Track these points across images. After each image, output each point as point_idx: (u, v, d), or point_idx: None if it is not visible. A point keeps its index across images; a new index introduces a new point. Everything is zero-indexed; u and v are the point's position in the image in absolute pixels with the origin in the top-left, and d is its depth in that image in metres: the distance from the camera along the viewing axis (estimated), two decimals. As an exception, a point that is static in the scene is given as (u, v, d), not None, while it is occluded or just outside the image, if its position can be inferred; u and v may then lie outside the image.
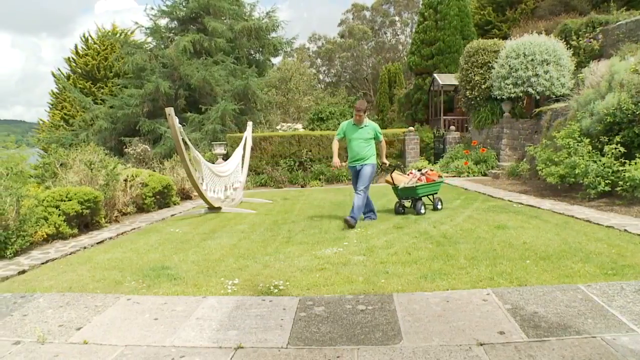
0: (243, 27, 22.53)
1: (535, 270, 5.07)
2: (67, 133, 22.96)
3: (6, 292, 5.35)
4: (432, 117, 23.27)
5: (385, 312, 4.11)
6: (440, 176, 10.12)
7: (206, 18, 21.97)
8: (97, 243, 7.94)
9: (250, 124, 13.45)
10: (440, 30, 22.73)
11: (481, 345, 3.52)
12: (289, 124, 23.73)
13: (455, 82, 19.58)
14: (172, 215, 10.70)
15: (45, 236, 7.84)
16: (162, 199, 11.72)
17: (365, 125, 8.55)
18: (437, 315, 4.02)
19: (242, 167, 12.46)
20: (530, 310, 4.03)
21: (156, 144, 19.56)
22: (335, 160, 8.82)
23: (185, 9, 22.83)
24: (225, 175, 11.15)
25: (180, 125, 9.32)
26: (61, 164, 10.28)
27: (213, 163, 13.50)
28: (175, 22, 23.66)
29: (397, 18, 49.06)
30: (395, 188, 9.39)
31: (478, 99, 17.39)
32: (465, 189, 12.58)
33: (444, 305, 4.21)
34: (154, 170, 13.36)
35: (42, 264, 6.73)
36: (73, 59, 28.04)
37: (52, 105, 28.45)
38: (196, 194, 11.48)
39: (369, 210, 8.86)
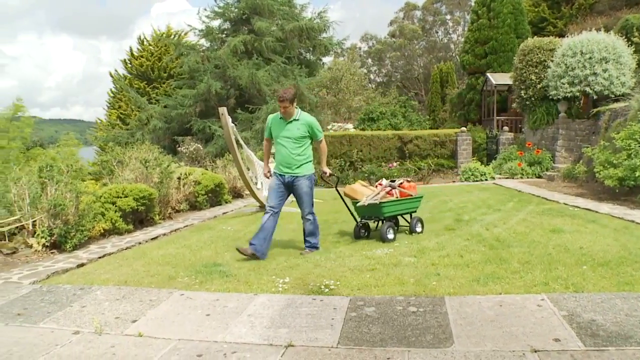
0: (294, 27, 22.65)
1: (592, 277, 4.91)
2: (123, 132, 23.61)
3: (66, 284, 5.56)
4: (485, 117, 22.90)
5: (437, 315, 4.08)
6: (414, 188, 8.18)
7: (256, 18, 22.19)
8: (152, 239, 8.15)
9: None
10: (494, 28, 22.34)
11: (535, 352, 3.44)
12: (339, 124, 23.73)
13: (509, 82, 19.19)
14: (224, 213, 10.87)
15: (102, 231, 8.10)
16: (214, 197, 11.92)
17: (294, 119, 6.57)
18: (489, 319, 3.95)
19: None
20: (587, 318, 3.91)
21: (208, 143, 19.88)
22: (265, 168, 7.12)
23: (236, 10, 23.12)
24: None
25: (232, 125, 9.46)
26: (118, 162, 10.59)
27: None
28: (227, 24, 23.98)
29: (448, 17, 48.43)
30: (354, 204, 7.56)
31: (533, 98, 16.99)
32: (519, 191, 12.32)
33: (497, 309, 4.14)
34: (206, 169, 13.59)
35: (100, 257, 6.96)
36: (129, 60, 28.79)
37: (109, 105, 29.30)
38: (247, 192, 11.62)
39: (307, 239, 6.90)
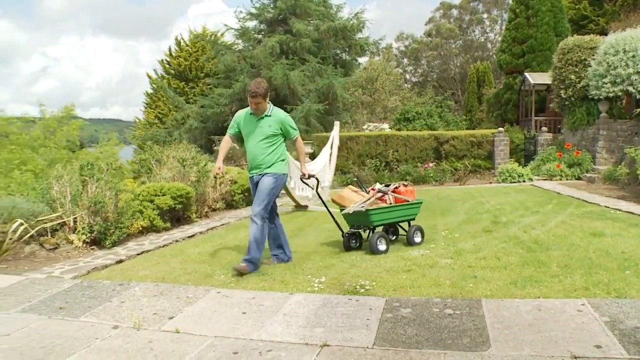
0: (329, 27, 22.67)
1: (636, 282, 4.78)
2: (161, 131, 23.97)
3: (106, 280, 5.69)
4: (523, 117, 22.54)
5: (473, 318, 4.03)
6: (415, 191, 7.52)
7: (293, 19, 22.28)
8: (188, 237, 8.27)
9: (337, 123, 13.53)
10: (532, 27, 21.95)
11: (575, 358, 3.36)
12: (375, 124, 23.65)
13: (548, 81, 18.84)
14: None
15: (140, 229, 8.25)
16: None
17: (266, 116, 6.03)
18: (527, 323, 3.89)
19: (329, 166, 12.56)
20: (630, 325, 3.80)
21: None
22: (218, 164, 6.33)
23: (272, 10, 23.25)
24: (313, 174, 11.24)
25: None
26: (156, 161, 10.77)
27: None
28: (263, 24, 24.14)
29: (485, 15, 47.84)
30: (342, 210, 6.91)
31: (572, 98, 16.65)
32: (558, 193, 12.09)
33: (535, 313, 4.07)
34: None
35: (138, 254, 7.10)
36: (167, 60, 29.23)
37: (147, 104, 29.78)
38: (283, 191, 11.66)
39: (277, 246, 6.33)
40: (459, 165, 17.12)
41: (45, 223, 7.39)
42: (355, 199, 6.88)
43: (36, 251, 7.21)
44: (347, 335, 3.83)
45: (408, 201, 7.04)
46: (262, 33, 24.10)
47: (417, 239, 6.95)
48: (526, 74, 21.23)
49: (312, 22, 23.12)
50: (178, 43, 29.33)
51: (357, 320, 4.09)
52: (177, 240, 7.91)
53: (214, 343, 3.84)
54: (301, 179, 6.75)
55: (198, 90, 25.93)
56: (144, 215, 8.33)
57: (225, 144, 6.42)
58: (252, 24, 24.17)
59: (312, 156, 15.37)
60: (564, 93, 16.80)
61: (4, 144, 15.81)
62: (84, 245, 7.31)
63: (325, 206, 7.00)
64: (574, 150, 16.26)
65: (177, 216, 9.21)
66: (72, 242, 7.35)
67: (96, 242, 7.48)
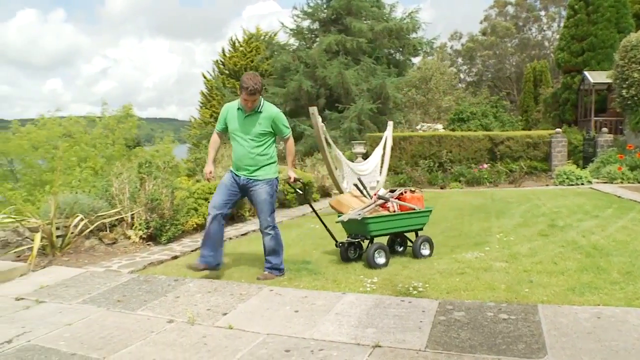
0: (384, 27, 22.58)
1: None
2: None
3: (161, 275, 5.83)
4: (581, 118, 21.91)
5: (529, 324, 3.93)
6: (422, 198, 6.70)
7: (347, 19, 22.27)
8: (241, 235, 8.38)
9: (390, 123, 13.46)
10: (593, 24, 21.29)
11: (638, 369, 3.25)
12: (428, 124, 23.44)
13: (609, 80, 18.25)
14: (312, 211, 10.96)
15: (195, 226, 8.41)
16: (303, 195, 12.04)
17: (256, 112, 5.52)
18: (586, 332, 3.77)
19: (381, 166, 12.51)
20: (697, 335, 3.65)
21: (297, 142, 20.15)
22: (208, 166, 5.82)
23: (326, 10, 23.30)
24: (365, 174, 11.25)
25: (322, 124, 9.54)
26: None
27: (352, 161, 13.70)
28: (317, 24, 24.23)
29: (542, 12, 46.64)
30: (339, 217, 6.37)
31: (636, 98, 16.07)
32: (619, 197, 11.68)
33: (595, 321, 3.93)
34: (295, 167, 13.78)
35: (192, 251, 7.25)
36: (221, 61, 29.67)
37: (202, 104, 30.31)
38: (336, 191, 11.69)
39: (212, 247, 5.79)
40: (514, 167, 16.75)
41: (105, 219, 7.63)
42: (354, 205, 6.34)
43: (95, 245, 7.45)
44: (399, 337, 3.81)
45: (414, 209, 6.39)
46: (316, 32, 24.19)
47: (425, 252, 6.33)
48: (586, 72, 20.63)
49: (365, 22, 23.05)
50: (232, 44, 29.74)
51: (410, 322, 4.06)
52: (230, 238, 8.02)
53: (266, 340, 3.87)
54: (287, 182, 6.26)
55: (252, 89, 26.16)
56: (198, 213, 8.48)
57: (214, 142, 5.89)
58: (306, 23, 24.32)
59: (365, 156, 15.35)
60: (627, 92, 16.23)
61: (68, 142, 16.46)
62: (141, 240, 7.51)
63: (316, 213, 6.64)
64: (636, 152, 15.67)
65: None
66: (129, 238, 7.56)
67: (152, 238, 7.68)
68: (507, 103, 33.51)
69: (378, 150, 12.48)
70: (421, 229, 6.52)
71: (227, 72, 28.94)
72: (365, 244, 6.39)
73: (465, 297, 4.63)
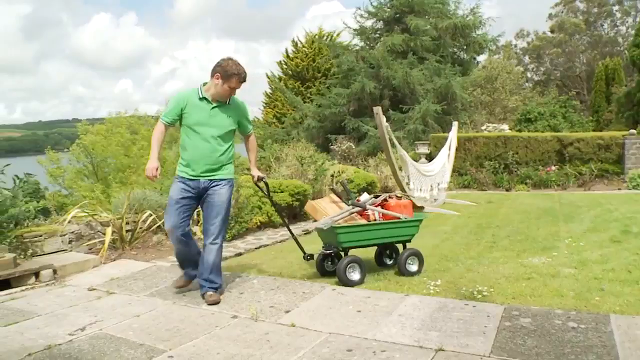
0: (447, 25, 22.19)
1: None
2: (279, 130, 24.63)
3: (225, 271, 5.92)
4: (659, 119, 20.93)
5: (600, 334, 3.78)
6: (412, 208, 6.03)
7: (410, 17, 22.04)
8: (305, 233, 8.44)
9: (455, 124, 13.26)
10: (673, 20, 20.30)
11: None
12: (494, 125, 22.89)
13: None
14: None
15: (259, 224, 8.54)
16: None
17: (226, 104, 4.98)
18: (663, 344, 3.60)
19: (446, 167, 12.35)
20: None
21: (361, 142, 20.13)
22: (153, 162, 4.87)
23: (389, 9, 23.15)
24: (430, 175, 11.14)
25: (387, 124, 9.50)
26: (275, 158, 11.10)
27: (416, 162, 13.59)
28: (381, 23, 24.10)
29: (615, 7, 44.64)
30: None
31: None
32: (698, 203, 11.09)
33: (673, 334, 3.75)
34: (358, 167, 13.78)
35: (256, 248, 7.37)
36: (284, 61, 29.91)
37: (265, 104, 30.65)
38: (400, 193, 11.63)
39: (205, 277, 5.05)
40: (584, 170, 16.15)
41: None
42: (329, 212, 5.65)
43: (162, 240, 7.67)
44: (462, 341, 3.75)
45: (399, 218, 5.66)
46: (379, 32, 24.08)
47: (412, 267, 5.61)
48: (664, 72, 19.70)
49: (429, 20, 22.76)
50: (295, 44, 29.96)
51: (474, 327, 3.99)
52: (307, 232, 8.09)
53: (328, 339, 3.89)
54: (253, 181, 5.63)
55: (315, 90, 26.35)
56: (262, 211, 8.61)
57: (160, 134, 4.97)
58: (369, 23, 24.24)
59: (428, 157, 15.20)
60: None
61: (136, 140, 17.05)
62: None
63: (284, 221, 6.14)
64: None
65: (294, 213, 9.42)
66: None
67: (218, 234, 7.83)
68: (577, 103, 32.27)
69: (444, 151, 12.33)
70: (409, 241, 5.82)
71: (289, 72, 29.19)
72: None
73: (531, 303, 4.51)
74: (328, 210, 5.70)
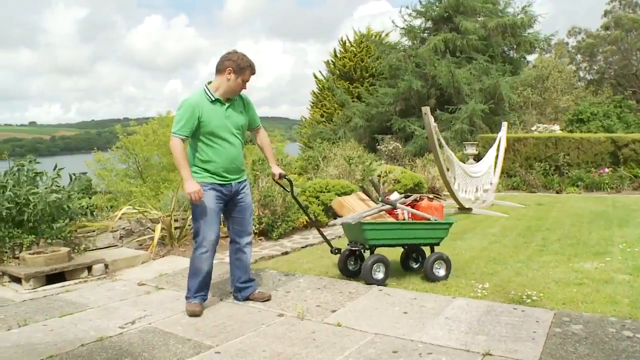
0: (497, 24, 21.77)
1: None
2: (326, 129, 24.68)
3: (272, 269, 6.01)
4: None
5: (658, 343, 3.66)
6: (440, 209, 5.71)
7: (458, 17, 21.75)
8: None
9: (504, 124, 13.04)
10: None
11: None
12: (544, 125, 22.40)
13: None
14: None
15: (305, 223, 8.55)
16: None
17: (234, 100, 4.67)
18: None
19: (494, 168, 12.16)
20: None
21: (407, 142, 19.98)
22: (194, 185, 4.44)
23: (438, 8, 22.90)
24: (477, 176, 10.98)
25: (435, 124, 9.40)
26: (322, 158, 11.13)
27: (464, 163, 13.42)
28: (429, 22, 23.88)
29: (677, 2, 42.99)
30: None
31: None
32: None
33: None
34: (405, 168, 13.70)
35: (302, 247, 7.40)
36: (332, 61, 29.92)
37: (312, 103, 30.72)
38: (447, 193, 11.51)
39: (246, 278, 4.96)
40: (640, 172, 15.65)
41: (220, 213, 7.95)
42: (357, 209, 5.52)
43: (210, 238, 7.77)
44: (510, 346, 3.67)
45: (429, 219, 5.50)
46: (428, 31, 23.85)
47: (440, 272, 5.41)
48: None
49: (478, 19, 22.40)
50: (343, 44, 29.92)
51: (523, 332, 3.91)
52: (339, 236, 8.07)
53: (374, 340, 3.88)
54: (274, 179, 5.24)
55: (363, 89, 26.30)
56: (309, 210, 8.64)
57: (184, 151, 4.53)
58: (417, 22, 24.04)
59: (477, 157, 14.99)
60: None
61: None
62: (253, 235, 7.75)
63: (306, 213, 6.00)
64: None
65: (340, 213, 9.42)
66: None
67: (264, 233, 7.91)
68: (633, 103, 31.18)
69: (491, 152, 12.14)
70: (437, 244, 5.61)
71: (337, 72, 29.19)
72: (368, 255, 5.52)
73: (583, 310, 4.39)
74: (355, 207, 5.57)
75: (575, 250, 6.72)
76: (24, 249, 6.07)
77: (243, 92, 4.76)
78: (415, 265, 5.86)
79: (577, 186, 15.21)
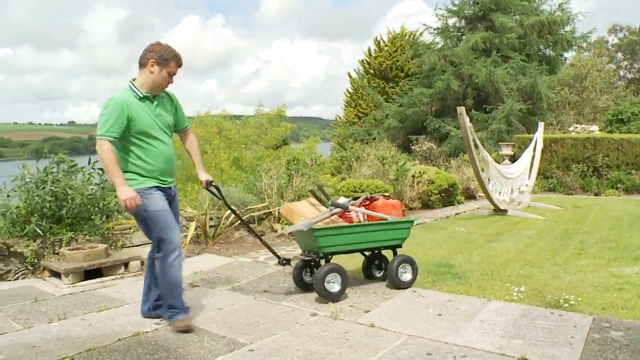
0: (534, 22, 21.44)
1: None
2: (360, 129, 24.65)
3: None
4: None
5: (703, 352, 3.54)
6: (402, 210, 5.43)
7: (494, 15, 21.48)
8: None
9: (541, 124, 12.83)
10: None
11: None
12: (582, 126, 21.96)
13: None
14: (456, 214, 10.81)
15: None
16: (447, 196, 11.89)
17: (160, 95, 4.30)
18: None
19: (530, 169, 11.97)
20: None
21: (442, 143, 19.84)
22: (129, 191, 3.97)
23: (473, 7, 22.68)
24: (512, 177, 10.83)
25: (470, 125, 9.30)
26: (356, 158, 11.13)
27: (499, 164, 13.25)
28: (463, 21, 23.66)
29: None
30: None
31: None
32: None
33: None
34: (439, 168, 13.60)
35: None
36: (367, 61, 29.87)
37: (346, 103, 30.72)
38: (481, 194, 11.39)
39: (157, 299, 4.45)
40: (684, 175, 15.22)
41: (253, 212, 8.02)
42: (308, 214, 5.09)
43: (244, 237, 7.85)
44: (547, 351, 3.60)
45: (386, 219, 5.10)
46: (462, 30, 23.64)
47: (406, 277, 5.08)
48: None
49: (514, 17, 22.08)
50: (377, 43, 29.84)
51: (560, 337, 3.83)
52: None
53: (407, 341, 3.85)
54: (206, 187, 4.72)
55: (397, 89, 26.20)
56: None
57: (114, 155, 4.01)
58: (451, 21, 23.85)
59: (512, 158, 14.80)
60: None
61: (219, 140, 17.67)
62: (288, 235, 7.78)
63: (242, 221, 5.26)
64: None
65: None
66: (275, 231, 7.88)
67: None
68: (676, 103, 30.42)
69: (527, 153, 11.96)
70: (400, 246, 5.23)
71: (372, 71, 29.11)
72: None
73: (623, 316, 4.28)
74: (306, 212, 5.15)
75: (615, 254, 6.56)
76: (63, 244, 6.22)
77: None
78: (378, 274, 5.49)
79: (617, 188, 14.88)
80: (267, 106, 22.37)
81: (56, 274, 5.90)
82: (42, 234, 6.14)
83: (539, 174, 13.76)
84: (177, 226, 4.28)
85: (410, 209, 10.79)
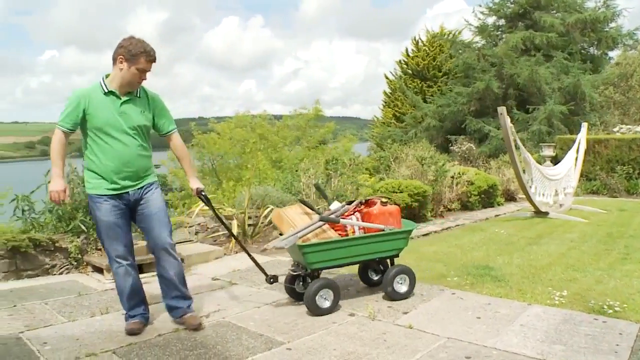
0: (576, 19, 20.90)
1: None
2: (398, 130, 24.51)
3: (344, 270, 5.98)
4: None
5: None
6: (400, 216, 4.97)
7: (536, 13, 21.07)
8: (423, 235, 8.33)
9: (584, 125, 12.54)
10: None
11: None
12: (628, 126, 21.37)
13: None
14: (496, 215, 10.66)
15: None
16: (487, 198, 11.74)
17: (136, 96, 4.13)
18: None
19: (573, 171, 11.72)
20: None
21: (482, 143, 19.57)
22: (58, 184, 3.94)
23: (512, 5, 22.31)
24: (555, 179, 10.61)
25: (511, 125, 9.16)
26: (394, 158, 11.09)
27: (540, 165, 13.01)
28: (503, 20, 23.29)
29: None
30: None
31: None
32: None
33: None
34: (479, 169, 13.43)
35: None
36: (404, 60, 29.68)
37: (384, 103, 30.58)
38: (522, 195, 11.21)
39: (175, 295, 4.33)
40: None
41: (290, 210, 8.05)
42: (297, 223, 4.69)
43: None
44: (590, 359, 3.53)
45: (382, 230, 4.72)
46: (502, 29, 23.28)
47: (401, 288, 4.81)
48: None
49: (556, 14, 21.59)
50: (415, 43, 29.62)
51: (604, 344, 3.74)
52: (412, 238, 8.01)
53: (446, 344, 3.82)
54: (198, 195, 4.47)
55: (436, 89, 25.97)
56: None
57: (61, 146, 3.98)
58: (490, 20, 23.51)
59: (555, 160, 14.52)
60: None
61: (256, 139, 17.85)
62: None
63: (230, 232, 5.10)
64: None
65: (412, 214, 9.34)
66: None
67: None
68: None
69: (571, 154, 11.70)
70: (396, 256, 4.93)
71: (410, 71, 28.93)
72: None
73: (673, 324, 4.16)
74: (297, 220, 4.73)
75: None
76: (105, 241, 6.35)
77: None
78: (375, 278, 5.25)
79: None
80: (307, 107, 22.43)
81: (99, 270, 6.05)
82: (85, 230, 6.29)
83: (581, 175, 13.46)
84: (123, 241, 4.14)
85: (449, 210, 10.69)
